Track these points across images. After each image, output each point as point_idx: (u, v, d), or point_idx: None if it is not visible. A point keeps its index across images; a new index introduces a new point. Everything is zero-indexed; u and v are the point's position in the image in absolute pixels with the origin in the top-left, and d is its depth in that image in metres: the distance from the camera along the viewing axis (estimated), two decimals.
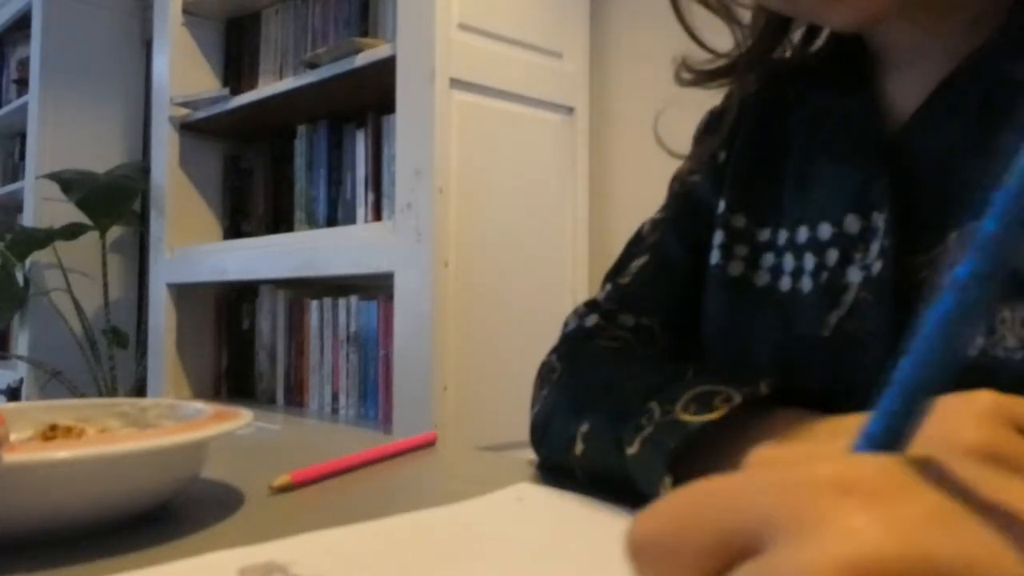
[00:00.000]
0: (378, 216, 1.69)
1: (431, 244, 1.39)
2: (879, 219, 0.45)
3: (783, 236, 0.51)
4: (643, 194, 1.62)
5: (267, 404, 1.92)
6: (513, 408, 1.50)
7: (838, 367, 0.45)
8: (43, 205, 2.58)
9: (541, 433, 0.53)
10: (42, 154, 2.61)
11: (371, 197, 1.71)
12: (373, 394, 1.68)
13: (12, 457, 0.33)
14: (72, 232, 2.44)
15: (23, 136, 2.81)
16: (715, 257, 0.54)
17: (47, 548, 0.35)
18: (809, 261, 0.48)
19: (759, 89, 0.56)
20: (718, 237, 0.54)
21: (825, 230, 0.48)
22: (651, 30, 1.60)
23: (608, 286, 0.61)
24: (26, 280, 2.54)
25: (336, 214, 1.81)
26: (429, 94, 1.40)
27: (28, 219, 2.64)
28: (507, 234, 1.50)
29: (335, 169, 1.82)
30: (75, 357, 2.43)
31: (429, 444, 0.61)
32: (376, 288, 1.69)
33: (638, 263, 0.59)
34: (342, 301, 1.77)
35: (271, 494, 0.46)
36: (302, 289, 1.90)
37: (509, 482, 0.46)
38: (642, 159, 1.61)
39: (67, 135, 2.66)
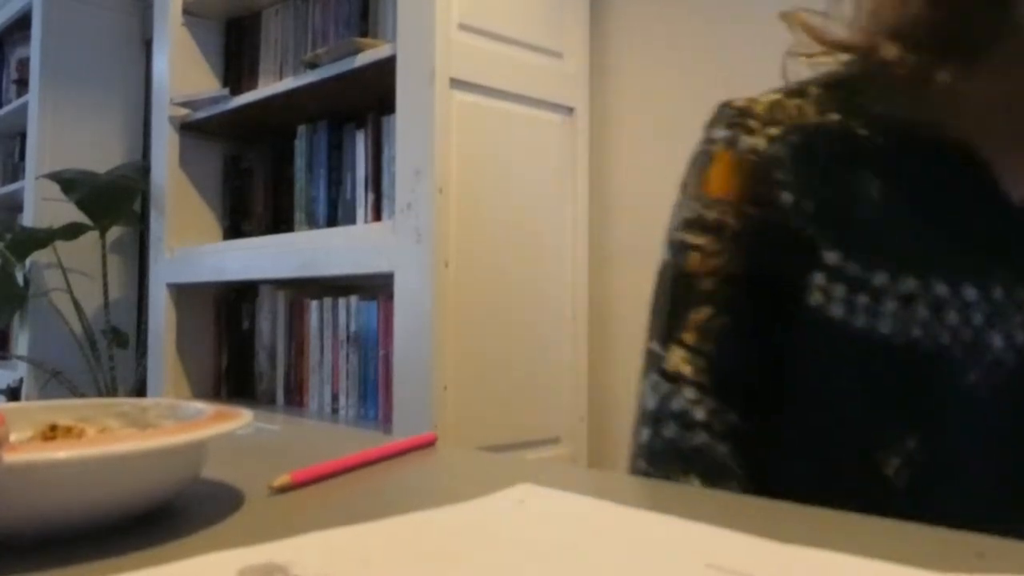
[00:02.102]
0: (378, 216, 1.69)
1: (431, 244, 1.39)
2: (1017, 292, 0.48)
3: (913, 286, 0.49)
4: (643, 194, 1.62)
5: (267, 404, 1.93)
6: (513, 408, 1.50)
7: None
8: (43, 205, 2.59)
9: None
10: (42, 154, 2.61)
11: (371, 197, 1.71)
12: (373, 394, 1.68)
13: (12, 457, 0.33)
14: (72, 232, 2.44)
15: (23, 136, 2.82)
16: (838, 311, 0.50)
17: (47, 548, 0.35)
18: (953, 318, 0.48)
19: (819, 126, 0.52)
20: (839, 290, 0.50)
21: (970, 292, 0.48)
22: (651, 30, 1.60)
23: (676, 349, 0.54)
24: (26, 280, 2.54)
25: (336, 214, 1.81)
26: (429, 94, 1.40)
27: (28, 219, 2.64)
28: (507, 234, 1.50)
29: (335, 169, 1.82)
30: (75, 357, 2.43)
31: (429, 444, 0.61)
32: (376, 288, 1.69)
33: (700, 316, 0.53)
34: (342, 301, 1.77)
35: (271, 494, 0.46)
36: (302, 289, 1.90)
37: (509, 483, 0.46)
38: (642, 159, 1.61)
39: (67, 135, 2.66)
